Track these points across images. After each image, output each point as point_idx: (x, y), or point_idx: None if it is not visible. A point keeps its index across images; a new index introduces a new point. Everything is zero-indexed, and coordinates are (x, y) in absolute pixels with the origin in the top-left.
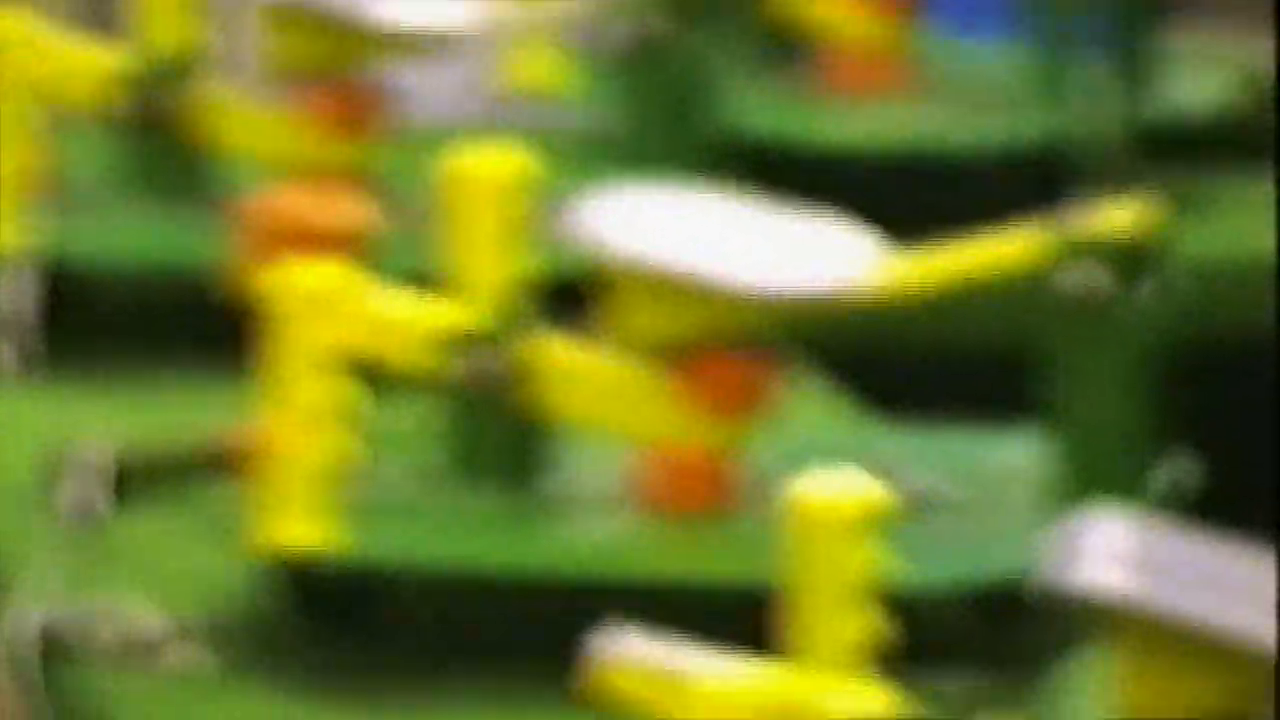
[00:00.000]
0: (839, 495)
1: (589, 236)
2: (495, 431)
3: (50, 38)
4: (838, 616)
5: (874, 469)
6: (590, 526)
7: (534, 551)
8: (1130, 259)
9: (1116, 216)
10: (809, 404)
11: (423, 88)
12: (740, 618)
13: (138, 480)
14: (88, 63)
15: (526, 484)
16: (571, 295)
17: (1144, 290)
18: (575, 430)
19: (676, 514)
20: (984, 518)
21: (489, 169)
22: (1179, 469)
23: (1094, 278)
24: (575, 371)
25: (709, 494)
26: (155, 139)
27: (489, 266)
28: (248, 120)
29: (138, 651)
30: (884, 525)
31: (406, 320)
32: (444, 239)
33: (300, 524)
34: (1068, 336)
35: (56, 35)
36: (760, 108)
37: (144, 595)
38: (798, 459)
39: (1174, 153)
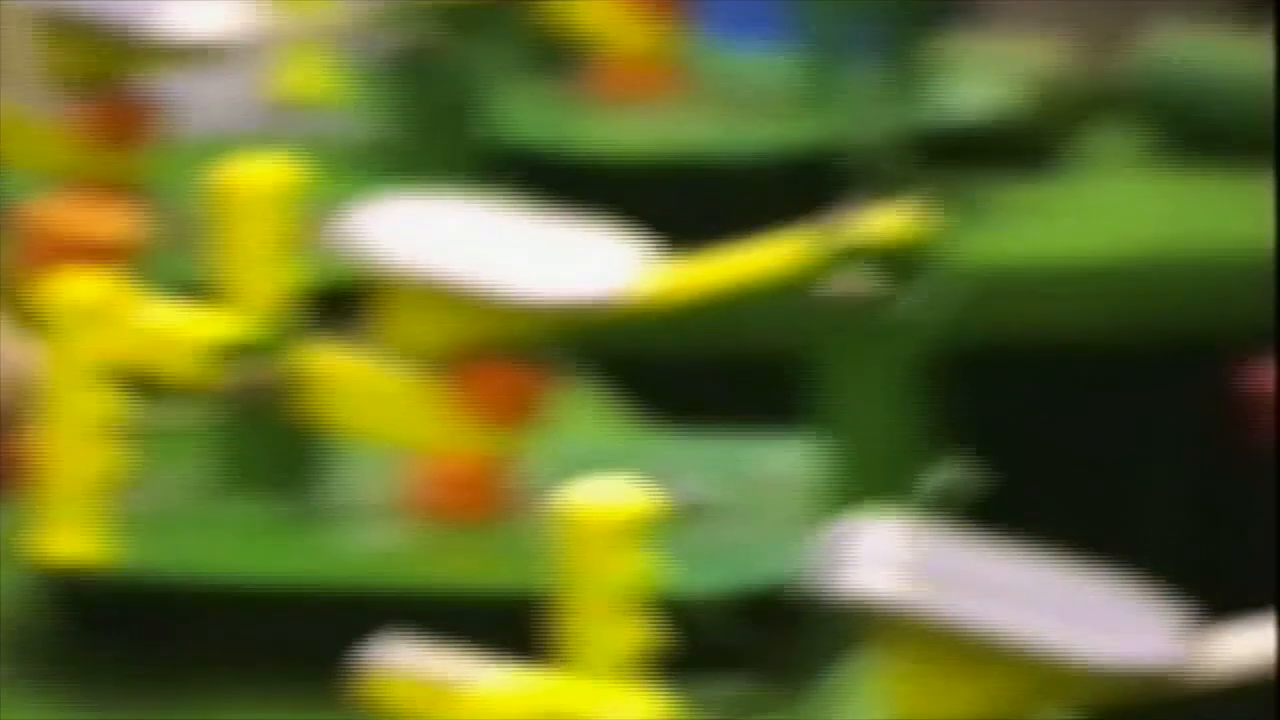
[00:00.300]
0: (608, 502)
1: (360, 245)
2: (269, 441)
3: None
4: (608, 624)
5: (645, 475)
6: (364, 535)
7: (308, 561)
8: (901, 264)
9: (887, 221)
10: (582, 411)
11: (195, 97)
12: (513, 626)
13: None
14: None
15: (301, 493)
16: (344, 304)
17: (915, 295)
18: (350, 439)
19: (450, 522)
20: (756, 523)
21: (259, 179)
22: (956, 473)
23: (864, 283)
24: (347, 381)
25: (483, 502)
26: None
27: (260, 276)
28: (19, 130)
29: None
30: (654, 532)
31: (177, 331)
32: (215, 249)
33: (73, 536)
34: (837, 341)
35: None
36: (530, 114)
37: None
38: (570, 466)
39: (949, 157)
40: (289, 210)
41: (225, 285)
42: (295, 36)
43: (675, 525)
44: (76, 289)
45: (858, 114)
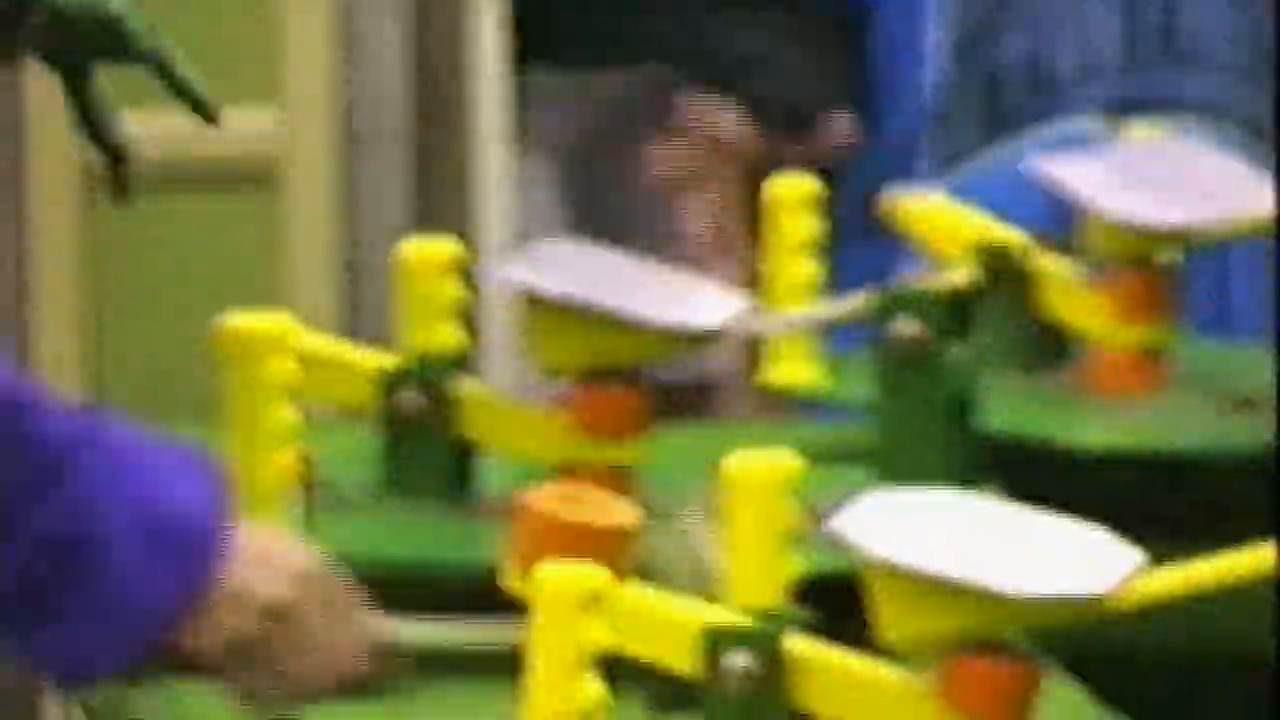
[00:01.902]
0: None
1: (849, 538)
2: None
3: (309, 338)
4: None
5: None
6: None
7: None
8: None
9: None
10: (1059, 706)
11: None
12: None
13: None
14: (348, 363)
15: None
16: (833, 595)
17: None
18: None
19: None
20: None
21: (763, 470)
22: None
23: None
24: (834, 672)
25: None
26: (417, 438)
27: (760, 566)
28: (511, 418)
29: None
30: None
31: (670, 620)
32: (718, 537)
33: None
34: None
35: (315, 335)
36: (1019, 408)
37: None
38: None
39: None
40: (789, 501)
41: (726, 572)
42: (788, 328)
43: None
44: (569, 579)
45: None
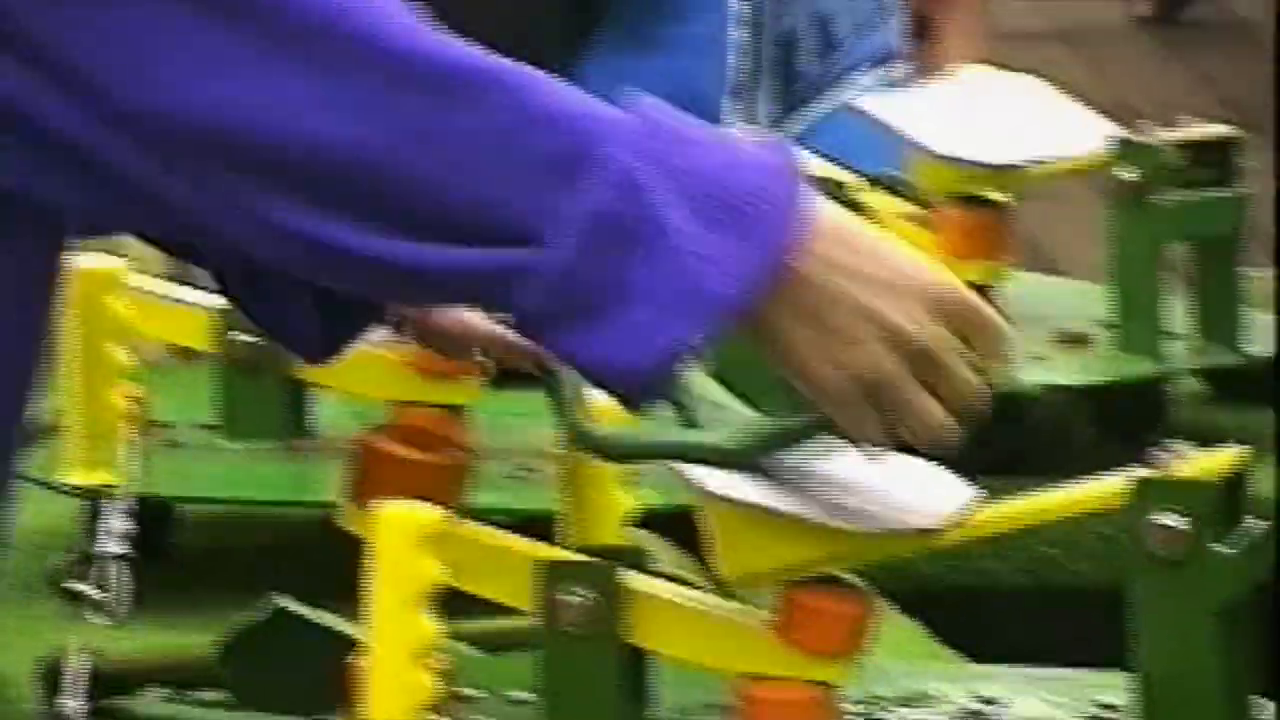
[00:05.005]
0: None
1: (685, 474)
2: None
3: (142, 279)
4: None
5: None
6: None
7: None
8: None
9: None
10: (895, 641)
11: None
12: None
13: None
14: (181, 304)
15: None
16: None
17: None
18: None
19: None
20: None
21: (598, 408)
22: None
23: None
24: (671, 608)
25: None
26: (251, 379)
27: (593, 503)
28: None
29: None
30: None
31: (507, 556)
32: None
33: None
34: (1152, 579)
35: (148, 277)
36: None
37: None
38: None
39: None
40: None
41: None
42: None
43: None
44: (407, 515)
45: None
